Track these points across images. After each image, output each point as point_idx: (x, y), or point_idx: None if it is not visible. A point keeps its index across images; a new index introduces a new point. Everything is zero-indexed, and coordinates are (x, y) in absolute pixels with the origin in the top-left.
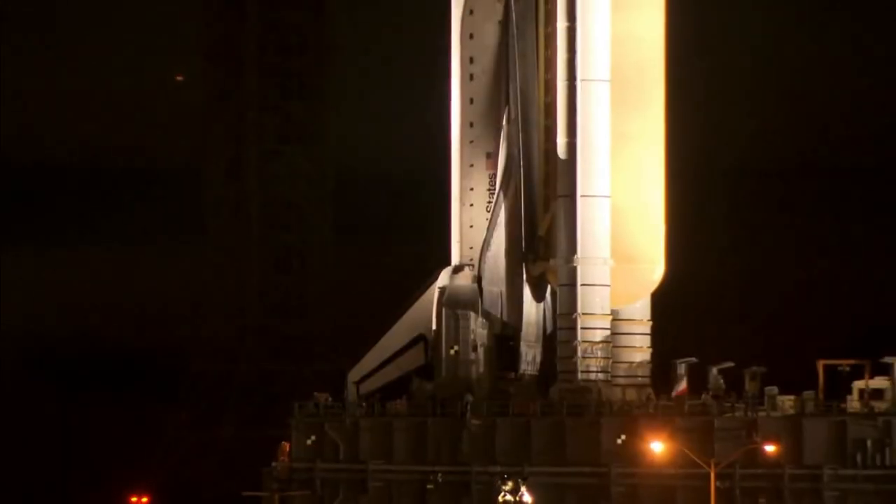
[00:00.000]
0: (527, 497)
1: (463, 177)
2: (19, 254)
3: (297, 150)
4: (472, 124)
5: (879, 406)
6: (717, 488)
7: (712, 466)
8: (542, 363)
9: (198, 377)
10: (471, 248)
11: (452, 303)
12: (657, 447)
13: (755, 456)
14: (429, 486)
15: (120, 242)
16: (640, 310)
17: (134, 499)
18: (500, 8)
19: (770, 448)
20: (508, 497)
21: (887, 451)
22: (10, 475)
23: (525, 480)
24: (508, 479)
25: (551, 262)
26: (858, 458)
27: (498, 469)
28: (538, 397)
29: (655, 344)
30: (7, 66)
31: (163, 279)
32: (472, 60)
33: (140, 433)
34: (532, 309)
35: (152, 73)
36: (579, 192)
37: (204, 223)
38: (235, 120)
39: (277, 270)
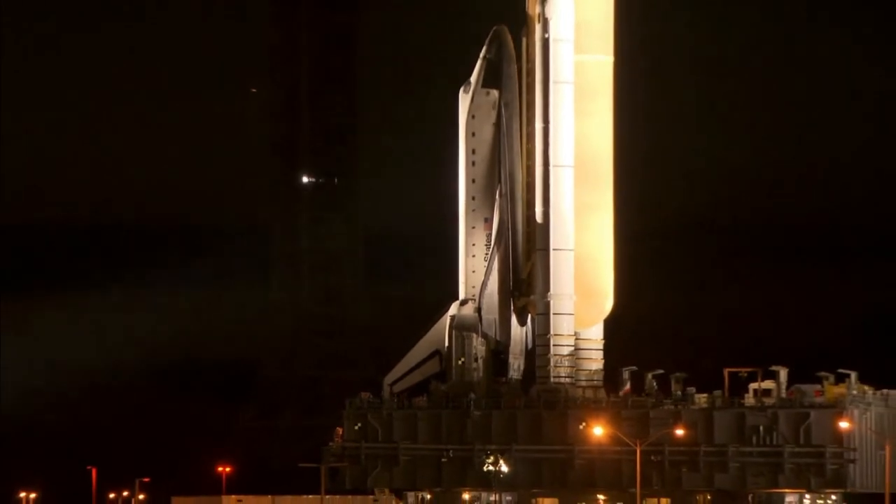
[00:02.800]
0: (504, 467)
1: (467, 235)
2: (144, 295)
3: (337, 216)
4: (473, 197)
5: (768, 401)
6: (651, 460)
7: (638, 445)
8: (524, 370)
9: (265, 380)
10: (473, 287)
11: (460, 327)
12: (598, 431)
13: (679, 437)
14: (443, 460)
15: (208, 285)
16: (595, 331)
17: (220, 468)
18: (494, 114)
19: (679, 432)
20: (491, 467)
21: (774, 433)
22: (129, 450)
23: (503, 455)
24: (491, 454)
25: (532, 297)
26: (754, 439)
27: (493, 447)
28: (522, 395)
29: (607, 356)
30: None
31: (239, 311)
32: (473, 151)
33: (223, 420)
34: (517, 331)
35: (226, 158)
36: (551, 246)
37: (268, 270)
38: (292, 194)
39: (322, 303)
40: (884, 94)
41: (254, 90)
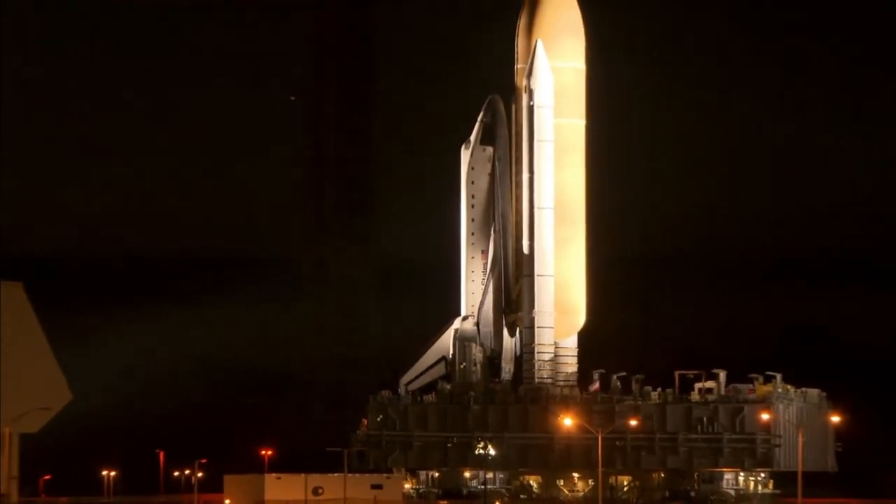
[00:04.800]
0: (492, 450)
1: (468, 263)
2: (200, 314)
3: (357, 249)
4: (472, 233)
5: (710, 397)
6: (615, 445)
7: (600, 433)
8: (514, 373)
9: (298, 381)
10: (472, 305)
11: (462, 338)
12: (568, 421)
13: (638, 426)
14: (448, 445)
15: (252, 305)
16: (571, 341)
17: (263, 452)
18: (489, 166)
19: (633, 422)
20: (481, 451)
21: (715, 423)
22: (190, 437)
23: (492, 441)
24: (481, 440)
25: (520, 313)
26: (699, 427)
27: (488, 435)
28: (512, 393)
29: (580, 361)
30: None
31: (277, 325)
32: (473, 196)
33: (265, 413)
34: (508, 341)
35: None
36: (536, 273)
37: (301, 292)
38: (320, 230)
39: (345, 319)
40: (792, 140)
41: (292, 97)
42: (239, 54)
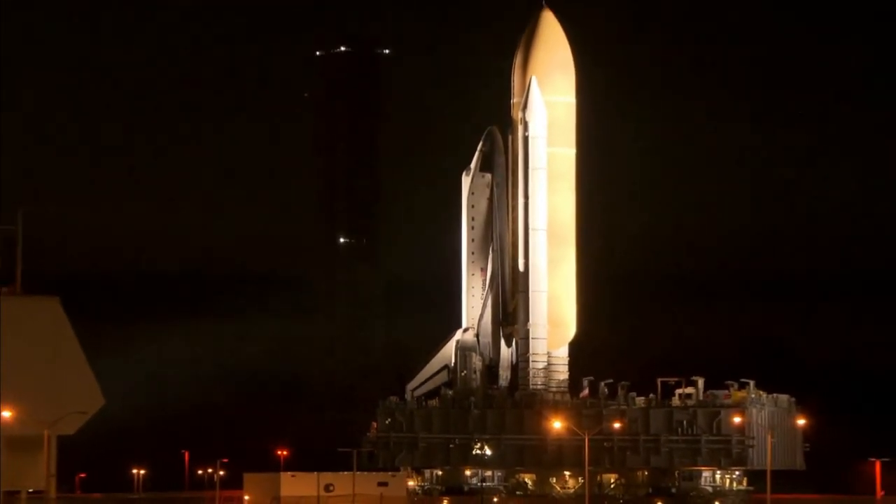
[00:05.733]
0: (488, 451)
1: (468, 280)
2: (228, 326)
3: (365, 268)
4: (473, 252)
5: (689, 402)
6: (603, 446)
7: (586, 434)
8: (510, 380)
9: (312, 388)
10: (472, 318)
11: (463, 348)
12: (557, 424)
13: (623, 428)
14: (451, 446)
15: (267, 317)
16: (562, 351)
17: (279, 452)
18: (488, 191)
19: (617, 425)
20: (478, 451)
21: (694, 426)
22: (212, 438)
23: (488, 443)
24: (478, 441)
25: (516, 326)
26: (679, 430)
27: (487, 437)
28: (509, 398)
29: (571, 370)
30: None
31: (293, 336)
32: (473, 218)
33: (281, 417)
34: (505, 351)
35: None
36: (530, 288)
37: (315, 306)
38: (333, 251)
39: (355, 330)
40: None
41: (306, 94)
42: (261, 83)
